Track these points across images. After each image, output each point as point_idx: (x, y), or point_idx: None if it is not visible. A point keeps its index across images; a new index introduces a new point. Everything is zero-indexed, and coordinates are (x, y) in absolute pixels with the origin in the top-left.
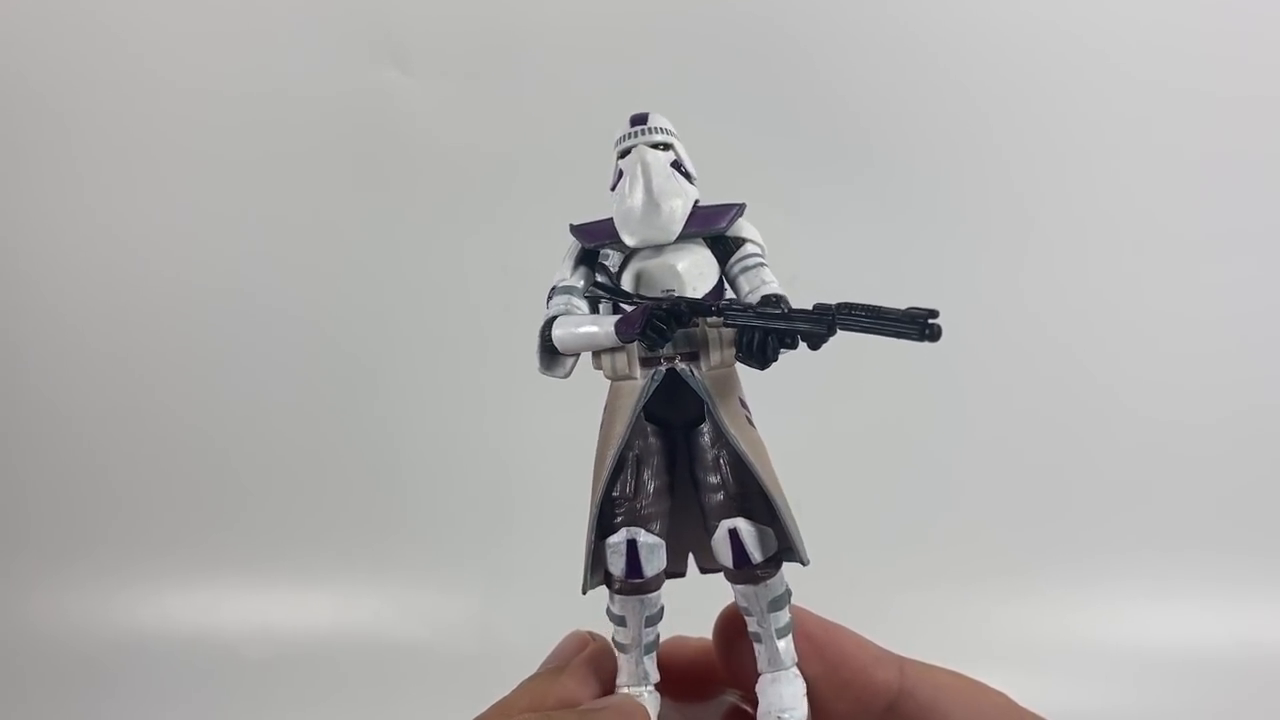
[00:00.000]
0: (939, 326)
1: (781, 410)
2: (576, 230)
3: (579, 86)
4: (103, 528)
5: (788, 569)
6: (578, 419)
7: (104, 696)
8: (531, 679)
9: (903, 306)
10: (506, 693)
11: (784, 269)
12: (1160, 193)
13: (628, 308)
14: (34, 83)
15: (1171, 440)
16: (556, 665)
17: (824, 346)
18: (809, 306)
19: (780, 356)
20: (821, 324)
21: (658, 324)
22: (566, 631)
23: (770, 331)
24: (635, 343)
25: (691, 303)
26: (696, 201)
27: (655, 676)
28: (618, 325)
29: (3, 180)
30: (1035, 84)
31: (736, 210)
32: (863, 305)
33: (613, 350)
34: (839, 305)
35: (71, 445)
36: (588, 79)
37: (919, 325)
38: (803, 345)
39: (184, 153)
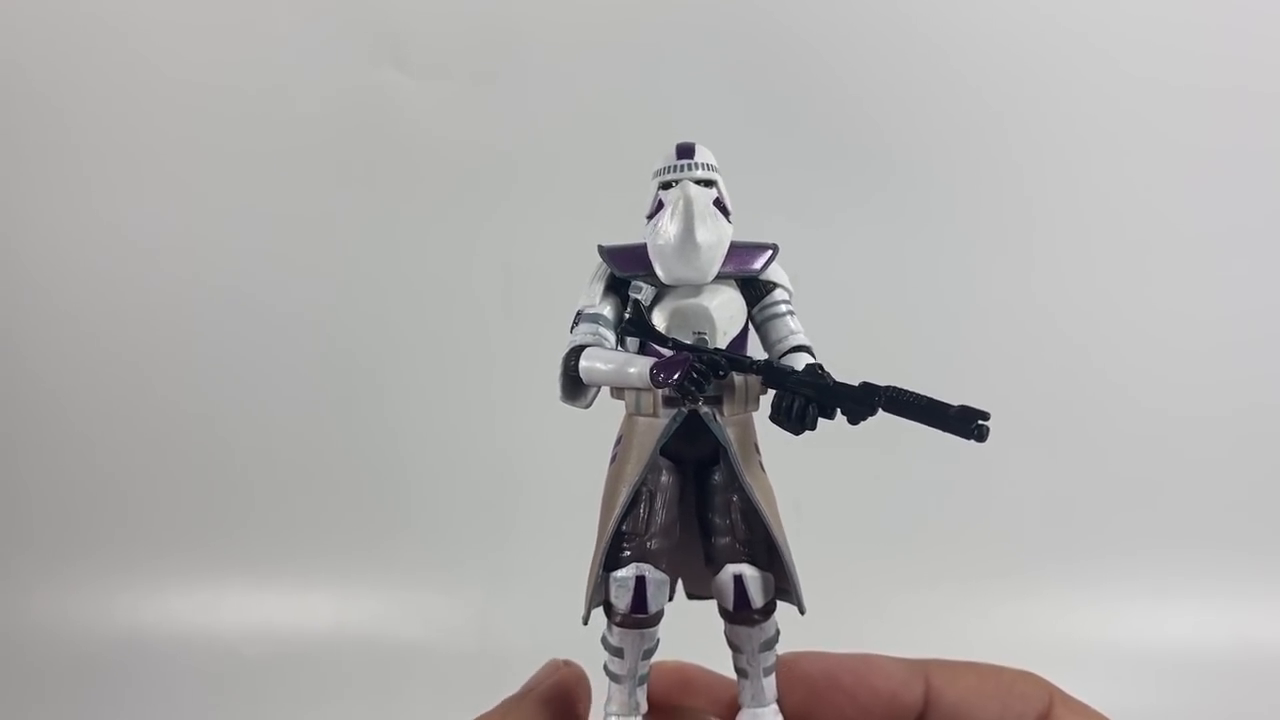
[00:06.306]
0: (988, 429)
1: None
2: (608, 255)
3: (579, 87)
4: (104, 527)
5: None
6: (579, 420)
7: (105, 696)
8: (496, 708)
9: (955, 403)
10: (505, 693)
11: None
12: (1166, 191)
13: (665, 351)
14: (34, 80)
15: (1172, 439)
16: (519, 694)
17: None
18: (855, 383)
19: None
20: (866, 403)
21: (697, 378)
22: (566, 632)
23: (812, 401)
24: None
25: (733, 359)
26: None
27: (645, 707)
28: (654, 369)
29: (2, 178)
30: (1042, 85)
31: (772, 253)
32: (914, 393)
33: (639, 388)
34: (888, 388)
35: (73, 444)
36: (588, 79)
37: (968, 425)
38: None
39: (183, 151)
